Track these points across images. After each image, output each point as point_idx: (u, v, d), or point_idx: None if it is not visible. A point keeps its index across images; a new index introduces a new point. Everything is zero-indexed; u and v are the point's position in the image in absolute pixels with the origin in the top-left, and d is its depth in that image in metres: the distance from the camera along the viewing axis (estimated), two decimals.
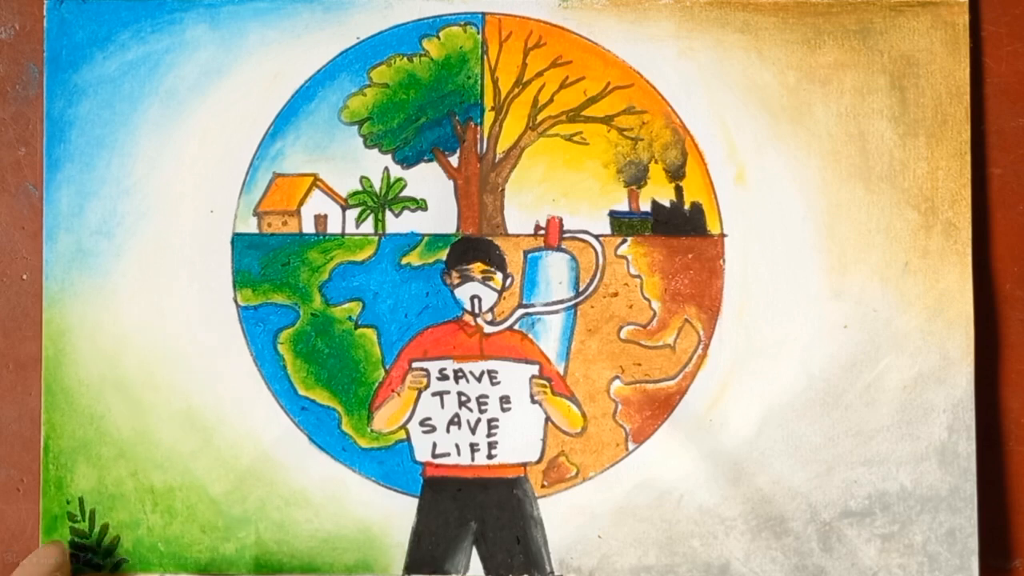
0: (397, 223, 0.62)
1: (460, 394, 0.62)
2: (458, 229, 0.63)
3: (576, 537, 0.62)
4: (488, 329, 0.63)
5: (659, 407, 0.62)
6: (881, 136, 0.62)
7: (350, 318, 0.62)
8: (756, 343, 0.62)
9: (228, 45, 0.62)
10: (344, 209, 0.63)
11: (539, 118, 0.63)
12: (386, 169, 0.63)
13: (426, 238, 0.63)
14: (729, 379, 0.62)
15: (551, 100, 0.63)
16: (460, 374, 0.62)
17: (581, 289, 0.63)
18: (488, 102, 0.63)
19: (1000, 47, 0.64)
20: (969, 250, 0.62)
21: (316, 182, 0.62)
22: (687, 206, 0.63)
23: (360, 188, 0.63)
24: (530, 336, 0.62)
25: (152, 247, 0.62)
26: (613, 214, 0.63)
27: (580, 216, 0.62)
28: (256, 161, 0.62)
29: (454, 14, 0.63)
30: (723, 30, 0.62)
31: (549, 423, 0.62)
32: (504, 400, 0.62)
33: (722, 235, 0.62)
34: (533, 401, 0.62)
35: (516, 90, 0.63)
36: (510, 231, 0.63)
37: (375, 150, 0.63)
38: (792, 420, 0.62)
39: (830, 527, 0.61)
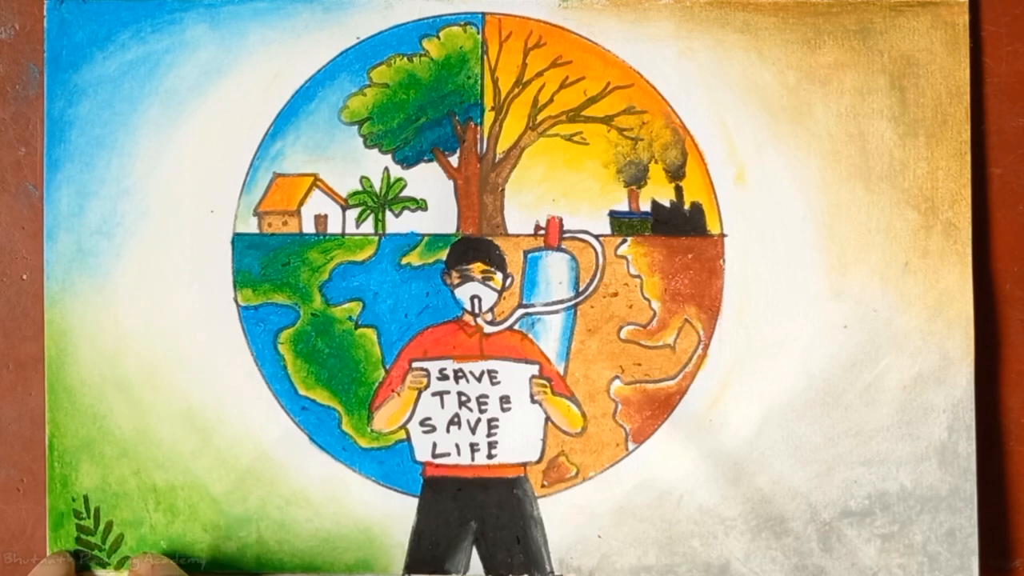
0: (397, 223, 0.63)
1: (460, 394, 0.62)
2: (458, 229, 0.63)
3: (576, 537, 0.62)
4: (488, 329, 0.63)
5: (659, 407, 0.62)
6: (881, 136, 0.62)
7: (350, 318, 0.62)
8: (756, 343, 0.62)
9: (228, 45, 0.62)
10: (344, 209, 0.63)
11: (539, 118, 0.63)
12: (386, 169, 0.63)
13: (426, 238, 0.63)
14: (729, 379, 0.62)
15: (551, 100, 0.63)
16: (460, 374, 0.62)
17: (581, 289, 0.63)
18: (488, 102, 0.63)
19: (1000, 47, 0.64)
20: (969, 250, 0.62)
21: (316, 182, 0.62)
22: (687, 206, 0.63)
23: (360, 188, 0.63)
24: (530, 336, 0.62)
25: (152, 247, 0.62)
26: (613, 214, 0.63)
27: (580, 216, 0.62)
28: (256, 161, 0.62)
29: (454, 14, 0.63)
30: (723, 30, 0.62)
31: (549, 423, 0.62)
32: (504, 400, 0.62)
33: (722, 235, 0.62)
34: (533, 401, 0.62)
35: (516, 90, 0.63)
36: (510, 231, 0.63)
37: (375, 150, 0.63)
38: (792, 420, 0.62)
39: (830, 527, 0.61)
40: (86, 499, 0.61)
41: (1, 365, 0.63)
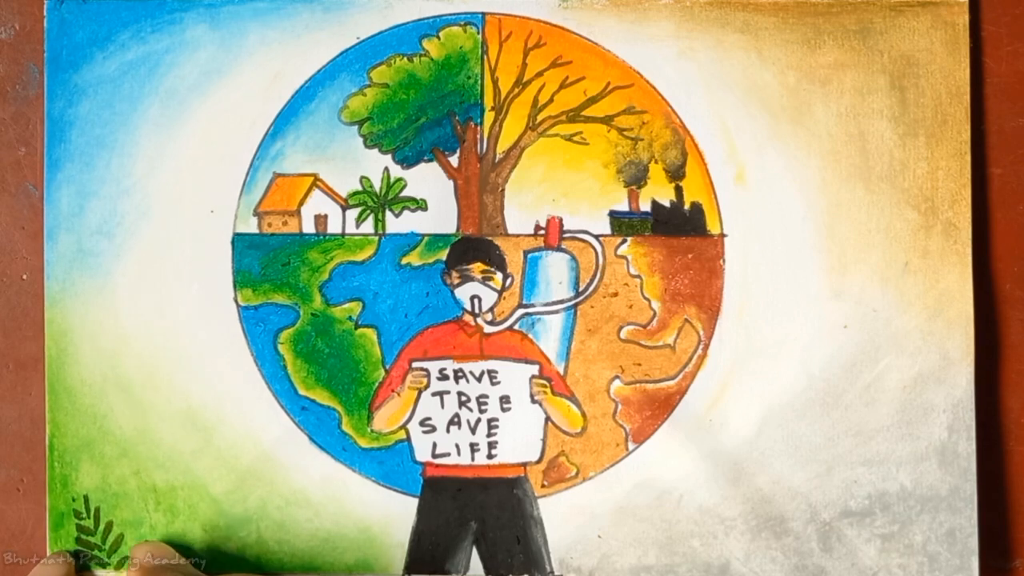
0: (397, 223, 0.63)
1: (460, 394, 0.62)
2: (458, 229, 0.63)
3: (576, 537, 0.62)
4: (488, 329, 0.63)
5: (659, 407, 0.62)
6: (881, 136, 0.62)
7: (350, 318, 0.62)
8: (756, 343, 0.62)
9: (228, 45, 0.62)
10: (344, 209, 0.63)
11: (539, 118, 0.63)
12: (386, 169, 0.63)
13: (426, 238, 0.63)
14: (729, 379, 0.62)
15: (551, 100, 0.63)
16: (460, 374, 0.62)
17: (581, 289, 0.63)
18: (488, 102, 0.63)
19: (1000, 47, 0.64)
20: (969, 250, 0.62)
21: (316, 182, 0.62)
22: (687, 206, 0.63)
23: (360, 188, 0.63)
24: (530, 336, 0.62)
25: (153, 247, 0.62)
26: (613, 214, 0.63)
27: (580, 216, 0.62)
28: (256, 161, 0.62)
29: (454, 14, 0.63)
30: (723, 30, 0.62)
31: (549, 423, 0.62)
32: (504, 400, 0.62)
33: (722, 235, 0.62)
34: (533, 401, 0.62)
35: (516, 90, 0.63)
36: (510, 231, 0.63)
37: (375, 150, 0.63)
38: (792, 420, 0.62)
39: (830, 527, 0.62)
40: (86, 499, 0.61)
41: (1, 365, 0.63)
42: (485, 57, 0.63)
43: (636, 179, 0.63)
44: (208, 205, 0.62)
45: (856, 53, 0.62)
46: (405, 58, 0.63)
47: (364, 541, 0.62)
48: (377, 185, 0.62)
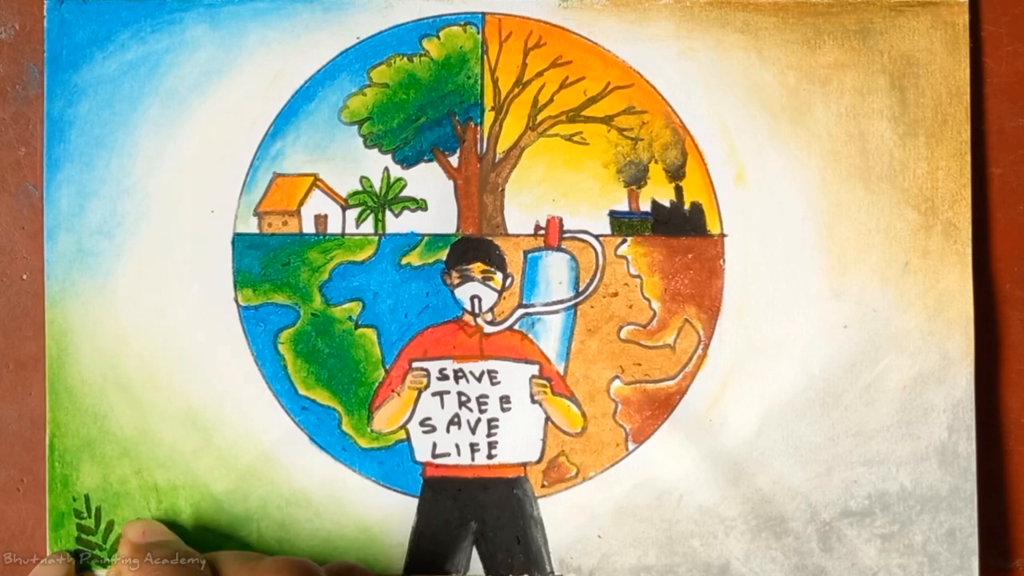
0: (397, 223, 0.63)
1: (460, 394, 0.62)
2: (458, 229, 0.63)
3: (576, 537, 0.62)
4: (488, 329, 0.63)
5: (659, 407, 0.62)
6: (881, 136, 0.62)
7: (350, 318, 0.62)
8: (756, 343, 0.62)
9: (228, 45, 0.62)
10: (344, 209, 0.63)
11: (539, 118, 0.63)
12: (386, 169, 0.63)
13: (426, 238, 0.63)
14: (729, 379, 0.62)
15: (551, 100, 0.63)
16: (460, 374, 0.62)
17: (581, 289, 0.63)
18: (488, 102, 0.63)
19: (1000, 47, 0.64)
20: (969, 250, 0.62)
21: (316, 182, 0.62)
22: (687, 206, 0.63)
23: (360, 188, 0.63)
24: (530, 336, 0.63)
25: (153, 247, 0.62)
26: (613, 214, 0.63)
27: (580, 216, 0.62)
28: (256, 161, 0.62)
29: (454, 14, 0.63)
30: (723, 30, 0.62)
31: (549, 423, 0.62)
32: (504, 400, 0.62)
33: (722, 235, 0.62)
34: (533, 401, 0.62)
35: (516, 90, 0.63)
36: (510, 231, 0.63)
37: (375, 150, 0.63)
38: (792, 420, 0.62)
39: (830, 527, 0.62)
40: (87, 499, 0.61)
41: (1, 365, 0.63)
42: (485, 57, 0.63)
43: (636, 179, 0.63)
44: (208, 205, 0.62)
45: (856, 53, 0.62)
46: (405, 58, 0.63)
47: (364, 541, 0.62)
48: (377, 185, 0.62)
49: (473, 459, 0.62)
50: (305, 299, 0.62)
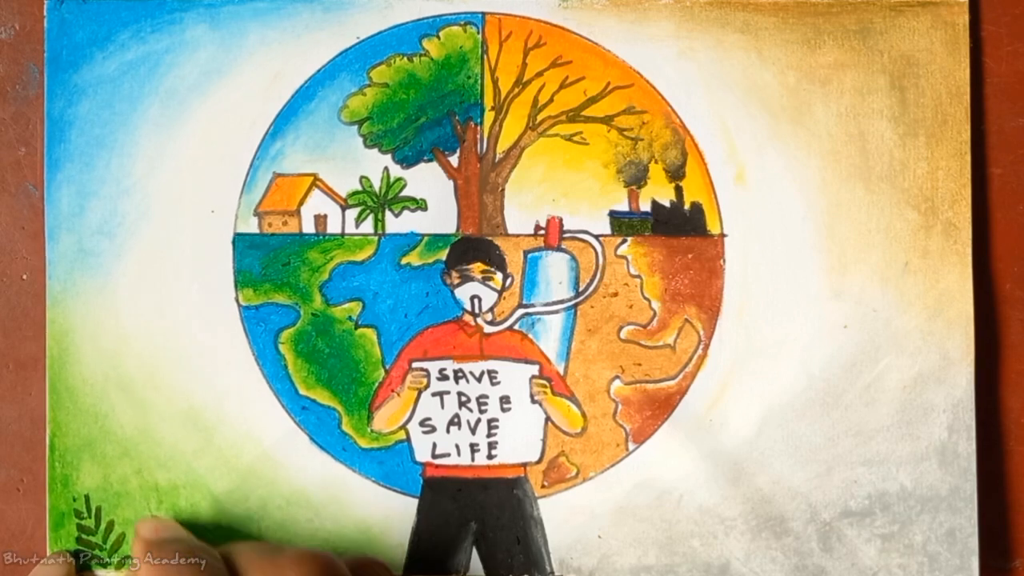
0: (397, 223, 0.63)
1: (460, 394, 0.62)
2: (458, 229, 0.63)
3: (576, 537, 0.62)
4: (488, 329, 0.63)
5: (659, 407, 0.62)
6: (881, 136, 0.62)
7: (350, 318, 0.62)
8: (756, 343, 0.62)
9: (228, 45, 0.62)
10: (344, 209, 0.63)
11: (539, 118, 0.63)
12: (386, 169, 0.63)
13: (426, 238, 0.63)
14: (729, 379, 0.62)
15: (551, 100, 0.63)
16: (460, 374, 0.62)
17: (581, 289, 0.63)
18: (488, 102, 0.63)
19: (1000, 47, 0.64)
20: (969, 250, 0.62)
21: (316, 182, 0.63)
22: (687, 206, 0.62)
23: (360, 188, 0.63)
24: (530, 336, 0.63)
25: (153, 247, 0.62)
26: (613, 214, 0.62)
27: (580, 216, 0.62)
28: (256, 161, 0.62)
29: (454, 14, 0.63)
30: (723, 30, 0.62)
31: (549, 423, 0.62)
32: (504, 400, 0.62)
33: (722, 235, 0.62)
34: (533, 401, 0.62)
35: (516, 90, 0.63)
36: (510, 231, 0.63)
37: (375, 150, 0.63)
38: (792, 420, 0.62)
39: (830, 527, 0.62)
40: (87, 499, 0.61)
41: (1, 365, 0.63)
42: (485, 57, 0.63)
43: (636, 179, 0.63)
44: (209, 205, 0.62)
45: (856, 53, 0.62)
46: (405, 58, 0.63)
47: (364, 541, 0.62)
48: (377, 185, 0.62)
49: (473, 459, 0.62)
50: (305, 299, 0.62)
